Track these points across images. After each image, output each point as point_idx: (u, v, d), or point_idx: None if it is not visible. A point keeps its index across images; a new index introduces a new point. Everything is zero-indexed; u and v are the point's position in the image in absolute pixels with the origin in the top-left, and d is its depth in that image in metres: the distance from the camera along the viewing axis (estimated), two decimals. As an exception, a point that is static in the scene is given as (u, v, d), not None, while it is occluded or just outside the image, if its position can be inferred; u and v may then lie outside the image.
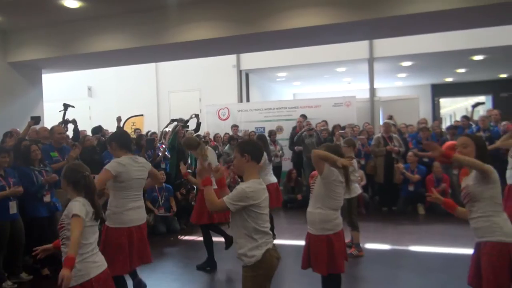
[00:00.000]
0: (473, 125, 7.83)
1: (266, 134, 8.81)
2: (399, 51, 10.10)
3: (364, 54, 10.37)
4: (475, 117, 7.93)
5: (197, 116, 7.81)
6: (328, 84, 15.37)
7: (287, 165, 8.80)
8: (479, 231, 2.57)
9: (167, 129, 8.01)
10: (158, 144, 7.19)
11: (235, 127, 9.25)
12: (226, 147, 8.41)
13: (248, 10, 6.74)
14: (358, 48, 10.18)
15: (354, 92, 11.58)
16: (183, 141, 5.00)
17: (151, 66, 12.18)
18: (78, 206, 2.40)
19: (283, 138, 9.33)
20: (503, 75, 14.61)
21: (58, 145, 5.11)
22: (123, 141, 3.42)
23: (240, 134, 9.28)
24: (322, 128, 8.40)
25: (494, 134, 6.93)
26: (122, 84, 12.60)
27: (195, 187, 6.61)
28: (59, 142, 5.11)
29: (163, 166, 6.92)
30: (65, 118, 6.46)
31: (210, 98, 11.49)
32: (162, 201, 6.39)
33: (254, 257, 2.47)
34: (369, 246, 5.28)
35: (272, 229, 5.62)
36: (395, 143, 7.36)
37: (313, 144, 7.79)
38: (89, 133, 7.67)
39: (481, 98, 14.92)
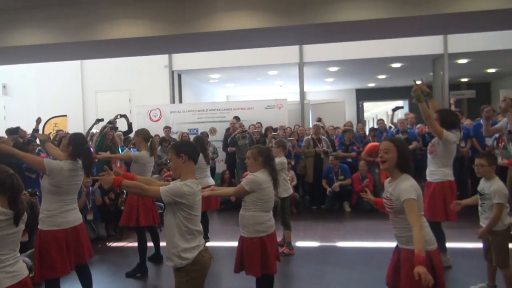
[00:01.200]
0: (393, 128, 8.49)
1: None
2: (326, 57, 10.62)
3: (295, 59, 10.74)
4: (395, 120, 8.58)
5: (124, 116, 7.48)
6: (260, 86, 15.66)
7: (220, 167, 8.81)
8: (402, 239, 2.55)
9: (94, 131, 7.61)
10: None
11: (167, 128, 9.06)
12: (158, 149, 8.19)
13: (181, 10, 6.64)
14: (289, 52, 10.52)
15: (285, 95, 11.92)
16: (141, 131, 4.86)
17: (75, 63, 11.48)
18: None
19: (216, 139, 9.33)
20: (418, 82, 15.95)
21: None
22: (76, 150, 3.27)
23: (174, 136, 9.12)
24: (255, 130, 8.55)
25: (411, 136, 7.57)
26: (43, 82, 11.72)
27: (124, 191, 6.36)
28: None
29: (89, 169, 6.56)
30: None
31: (141, 98, 11.12)
32: (91, 205, 6.06)
33: (186, 260, 2.46)
34: (299, 244, 5.47)
35: (206, 231, 5.64)
36: (324, 144, 7.73)
37: (246, 146, 7.89)
38: (3, 134, 7.01)
39: (399, 103, 16.22)
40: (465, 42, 9.83)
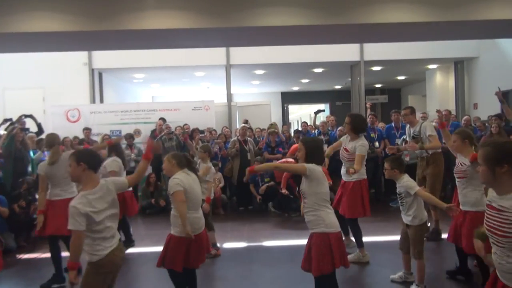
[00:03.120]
0: (316, 130, 8.90)
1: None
2: (253, 60, 10.81)
3: (222, 61, 10.77)
4: (317, 123, 9.00)
5: (30, 116, 6.88)
6: (187, 87, 15.46)
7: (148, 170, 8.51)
8: (309, 224, 3.04)
9: (1, 132, 6.91)
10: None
11: (87, 130, 8.53)
12: (76, 152, 7.70)
13: (103, 5, 6.31)
14: (216, 54, 10.53)
15: (212, 97, 11.89)
16: (49, 137, 4.52)
17: (-22, 57, 10.32)
18: None
19: (141, 141, 9.00)
20: (338, 87, 17.00)
21: None
22: None
23: (94, 138, 8.61)
24: (182, 131, 8.41)
25: (332, 138, 7.99)
26: None
27: (37, 197, 5.86)
28: None
29: (-4, 175, 5.96)
30: None
31: (57, 97, 10.32)
32: (-6, 216, 5.48)
33: (97, 256, 2.57)
34: (226, 245, 5.50)
35: (129, 236, 5.42)
36: (250, 146, 7.85)
37: (173, 148, 7.74)
38: None
39: (321, 106, 17.08)
40: (379, 51, 10.67)
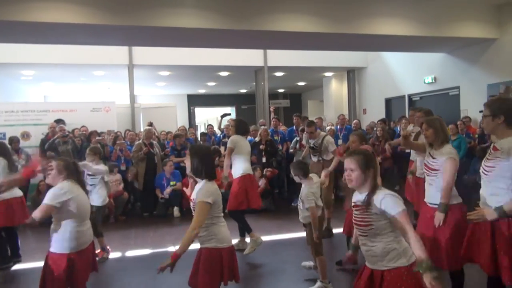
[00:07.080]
0: (220, 133, 9.00)
1: (7, 141, 7.54)
2: (157, 61, 10.54)
3: (124, 60, 10.30)
4: (223, 126, 9.09)
5: None
6: (85, 86, 14.44)
7: (36, 177, 7.73)
8: (199, 239, 2.75)
9: None
10: None
11: (-38, 132, 7.46)
12: None
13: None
14: (118, 53, 10.04)
15: (114, 97, 11.29)
16: None
17: None
18: None
19: (30, 145, 8.17)
20: (243, 90, 17.42)
21: None
22: None
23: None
24: (80, 133, 7.85)
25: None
26: None
27: None
28: None
29: None
30: None
31: None
32: None
33: None
34: (130, 253, 5.28)
35: (16, 250, 4.87)
36: (156, 149, 7.62)
37: (69, 152, 7.17)
38: None
39: (228, 109, 17.33)
40: (281, 58, 11.22)
